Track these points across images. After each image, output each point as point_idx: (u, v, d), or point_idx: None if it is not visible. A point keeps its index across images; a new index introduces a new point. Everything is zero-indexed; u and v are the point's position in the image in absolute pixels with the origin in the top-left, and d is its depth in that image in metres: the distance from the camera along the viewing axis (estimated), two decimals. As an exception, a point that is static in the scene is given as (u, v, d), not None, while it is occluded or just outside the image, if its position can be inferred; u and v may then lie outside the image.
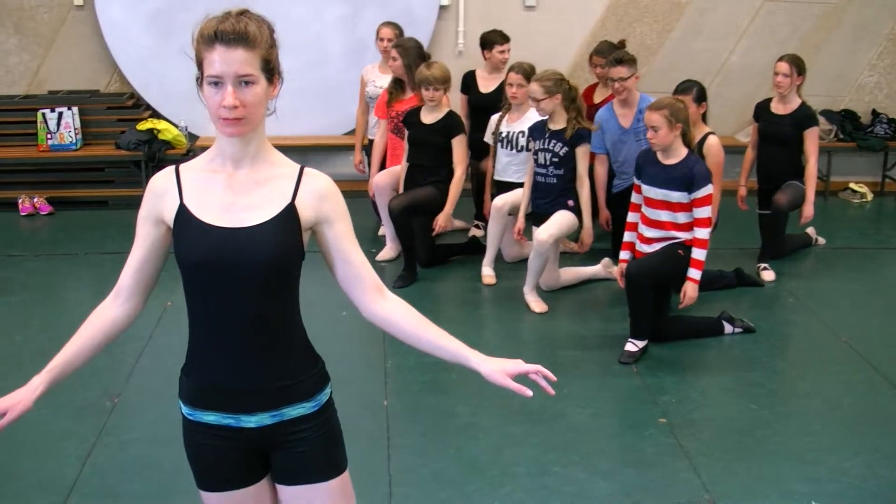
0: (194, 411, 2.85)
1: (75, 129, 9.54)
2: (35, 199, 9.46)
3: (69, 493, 4.73)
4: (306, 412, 2.84)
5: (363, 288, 2.83)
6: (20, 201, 9.44)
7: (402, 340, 2.88)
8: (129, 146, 9.40)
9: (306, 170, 2.78)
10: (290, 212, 2.71)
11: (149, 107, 9.92)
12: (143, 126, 9.51)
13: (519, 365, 2.79)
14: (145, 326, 6.31)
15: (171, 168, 2.79)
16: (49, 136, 9.50)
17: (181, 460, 2.93)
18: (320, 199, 2.75)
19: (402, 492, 4.72)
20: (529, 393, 2.77)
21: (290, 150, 9.33)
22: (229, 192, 2.71)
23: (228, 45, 2.56)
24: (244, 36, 2.57)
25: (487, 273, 7.56)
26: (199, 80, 2.64)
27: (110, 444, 5.18)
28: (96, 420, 5.39)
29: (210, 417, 2.83)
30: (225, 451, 2.85)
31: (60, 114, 9.48)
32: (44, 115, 9.48)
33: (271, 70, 2.66)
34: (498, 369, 2.78)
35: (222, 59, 2.57)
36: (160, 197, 2.76)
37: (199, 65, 2.63)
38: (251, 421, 2.81)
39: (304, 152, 9.62)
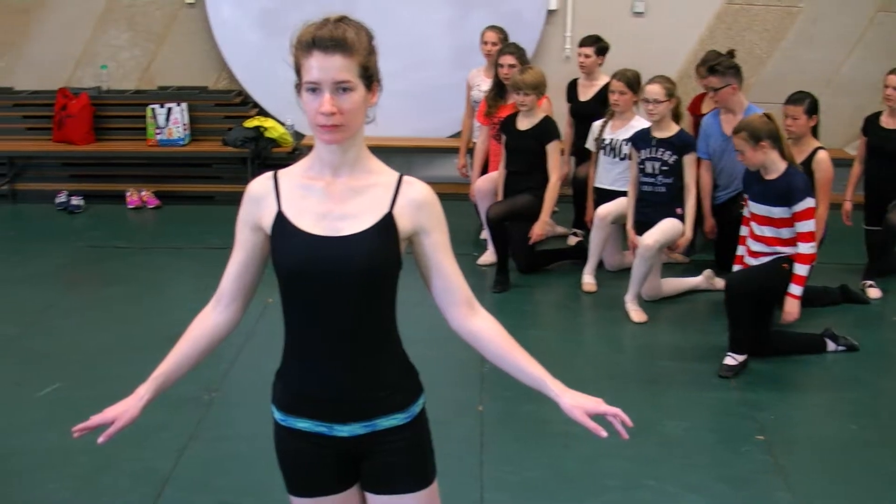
0: (287, 417, 2.85)
1: (184, 124, 9.68)
2: (143, 193, 9.62)
3: (164, 485, 4.79)
4: (399, 423, 2.83)
5: (454, 301, 2.82)
6: (128, 194, 9.61)
7: (487, 359, 2.87)
8: (236, 143, 9.51)
9: (405, 178, 2.76)
10: (388, 221, 2.70)
11: (256, 104, 10.02)
12: (249, 123, 9.62)
13: (599, 405, 2.76)
14: (246, 322, 6.32)
15: (270, 174, 2.79)
16: (158, 130, 9.66)
17: (275, 460, 2.95)
18: (418, 208, 2.73)
19: (493, 498, 4.71)
20: (604, 434, 2.72)
21: (394, 151, 9.38)
22: (327, 200, 2.70)
23: (326, 52, 2.56)
24: (342, 42, 2.56)
25: (588, 281, 7.51)
26: (298, 87, 2.64)
27: (206, 439, 5.24)
28: (194, 414, 5.47)
29: (303, 424, 2.83)
30: (316, 457, 2.85)
31: (170, 109, 9.63)
32: (153, 110, 9.64)
33: (370, 77, 2.64)
34: (577, 405, 2.75)
35: (320, 66, 2.56)
36: (258, 203, 2.76)
37: (298, 71, 2.62)
38: (344, 430, 2.80)
39: (408, 154, 9.66)
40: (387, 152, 9.07)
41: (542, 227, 7.50)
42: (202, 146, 9.83)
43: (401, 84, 9.06)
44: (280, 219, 2.72)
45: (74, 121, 9.64)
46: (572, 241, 8.43)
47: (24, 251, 8.40)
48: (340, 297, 2.69)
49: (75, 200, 9.51)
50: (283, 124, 9.67)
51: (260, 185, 2.79)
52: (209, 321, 2.88)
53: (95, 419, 2.83)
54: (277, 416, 2.89)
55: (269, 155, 9.40)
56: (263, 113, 9.92)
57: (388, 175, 2.76)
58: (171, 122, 9.65)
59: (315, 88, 2.58)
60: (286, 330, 2.83)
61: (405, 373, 2.88)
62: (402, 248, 2.76)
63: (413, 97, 9.46)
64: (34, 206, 9.69)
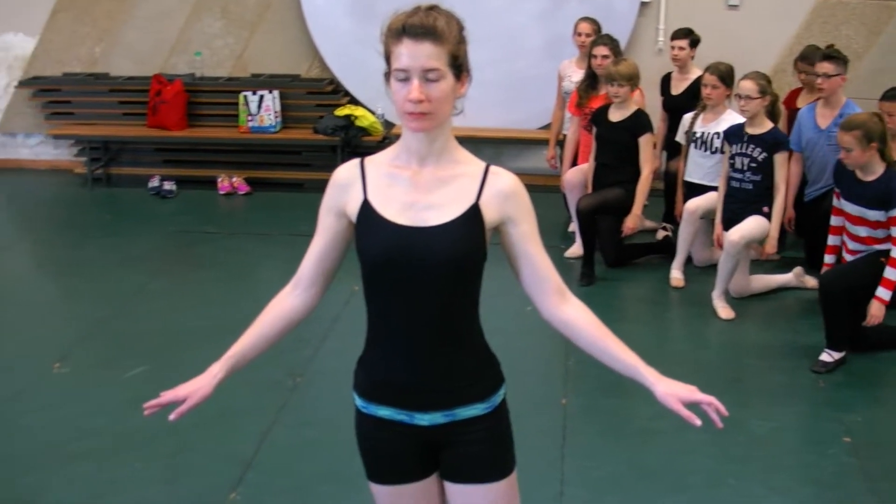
0: (368, 404, 2.86)
1: (275, 112, 9.76)
2: (234, 179, 9.72)
3: (246, 468, 4.85)
4: (479, 413, 2.82)
5: (545, 290, 2.80)
6: (219, 180, 9.72)
7: (580, 347, 2.84)
8: (327, 131, 9.57)
9: (492, 168, 2.75)
10: (475, 212, 2.69)
11: (347, 93, 10.07)
12: (340, 112, 9.67)
13: (694, 393, 2.74)
14: (331, 308, 6.41)
15: (356, 161, 2.80)
16: (250, 118, 9.74)
17: (356, 446, 2.96)
18: (505, 198, 2.72)
19: (573, 493, 4.68)
20: (698, 422, 2.69)
21: (483, 142, 9.36)
22: (413, 190, 2.70)
23: (416, 39, 2.56)
24: (432, 30, 2.56)
25: (676, 276, 7.44)
26: (387, 75, 2.64)
27: (289, 424, 5.28)
28: (277, 398, 5.52)
29: (384, 412, 2.84)
30: (397, 445, 2.85)
31: (262, 97, 9.71)
32: (246, 97, 9.73)
33: (459, 66, 2.63)
34: (672, 393, 2.73)
35: (409, 53, 2.56)
36: (344, 190, 2.77)
37: (387, 59, 2.62)
38: (424, 419, 2.81)
39: (497, 145, 9.65)
40: (476, 143, 9.10)
41: (634, 221, 7.45)
42: (293, 134, 9.89)
43: (491, 74, 9.09)
44: (366, 207, 2.72)
45: (168, 107, 9.77)
46: (661, 235, 8.36)
47: (117, 234, 8.53)
48: (424, 287, 2.69)
49: (167, 185, 9.64)
50: (373, 113, 9.71)
51: (346, 172, 2.79)
52: (286, 304, 2.90)
53: (167, 395, 2.85)
54: (359, 402, 2.90)
55: (360, 143, 9.43)
56: (354, 101, 9.96)
57: (474, 165, 2.75)
58: (263, 110, 9.73)
59: (404, 76, 2.58)
60: (368, 317, 2.83)
61: (486, 363, 2.87)
62: (488, 239, 2.74)
63: (503, 88, 9.44)
64: (127, 190, 9.84)
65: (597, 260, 7.57)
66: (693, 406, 2.72)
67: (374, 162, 2.79)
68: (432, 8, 2.63)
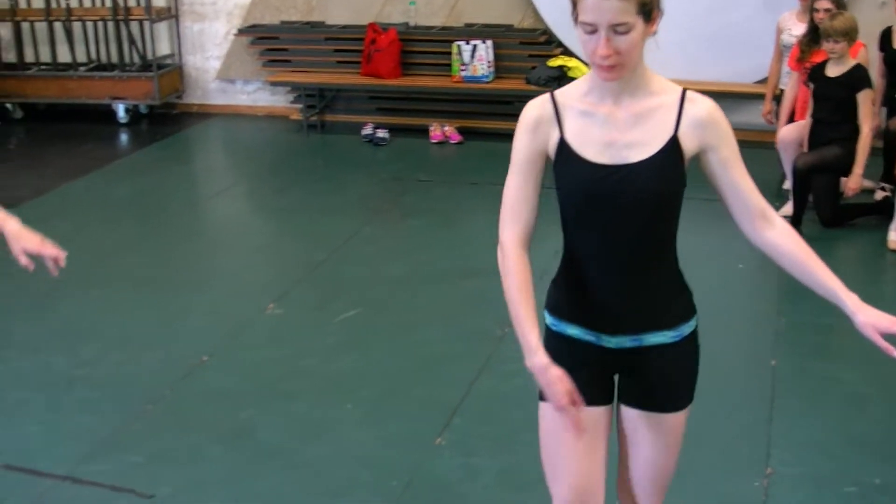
0: (558, 322, 2.88)
1: (488, 62, 9.76)
2: (445, 128, 9.78)
3: (452, 414, 4.89)
4: (667, 341, 2.81)
5: (749, 214, 2.74)
6: (431, 129, 9.80)
7: (784, 268, 2.77)
8: (539, 82, 9.52)
9: (688, 94, 2.69)
10: (674, 144, 2.65)
11: (560, 44, 9.99)
12: (553, 63, 9.61)
13: (892, 325, 2.61)
14: (540, 261, 6.40)
15: (547, 97, 2.75)
16: (463, 67, 9.77)
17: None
18: (703, 127, 2.67)
19: (780, 456, 4.56)
20: (895, 353, 2.59)
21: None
22: (611, 128, 2.66)
23: None
24: None
25: (894, 238, 7.16)
26: (575, 20, 2.58)
27: (496, 372, 5.30)
28: (486, 347, 5.54)
29: (572, 331, 2.85)
30: (580, 365, 2.81)
31: (475, 46, 9.72)
32: (459, 46, 9.75)
33: (649, 10, 2.55)
34: (871, 322, 2.62)
35: (596, 8, 2.49)
36: (538, 128, 2.73)
37: (574, 4, 2.57)
38: (611, 342, 2.81)
39: (712, 99, 9.43)
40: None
41: (856, 182, 7.20)
42: (505, 84, 9.87)
43: (706, 27, 8.90)
44: (563, 146, 2.70)
45: (382, 55, 9.88)
46: (880, 195, 8.04)
47: (330, 180, 8.71)
48: (625, 220, 2.68)
49: (380, 133, 9.77)
50: (586, 64, 9.60)
51: (539, 110, 2.75)
52: (528, 266, 2.80)
53: (562, 399, 2.66)
54: (548, 320, 2.91)
55: (571, 94, 9.36)
56: (567, 52, 9.88)
57: (670, 93, 2.69)
58: (476, 59, 9.74)
59: (591, 29, 2.53)
60: (565, 244, 2.82)
61: (679, 292, 2.85)
62: (686, 166, 2.70)
63: (719, 40, 9.20)
64: (341, 136, 10.02)
65: (808, 219, 7.34)
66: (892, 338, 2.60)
67: (565, 96, 2.74)
68: None
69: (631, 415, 2.93)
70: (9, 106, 11.12)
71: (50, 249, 3.42)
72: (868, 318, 2.63)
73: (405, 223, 7.76)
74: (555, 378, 2.63)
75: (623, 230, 2.70)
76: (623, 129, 2.66)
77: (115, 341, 5.76)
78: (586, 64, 9.62)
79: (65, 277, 6.63)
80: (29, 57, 11.12)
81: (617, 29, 2.50)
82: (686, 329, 2.84)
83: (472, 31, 9.96)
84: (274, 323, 5.97)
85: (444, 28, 10.21)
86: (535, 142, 2.75)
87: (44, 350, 5.68)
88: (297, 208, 8.06)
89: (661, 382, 2.86)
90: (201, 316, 6.08)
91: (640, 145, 2.66)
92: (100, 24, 10.95)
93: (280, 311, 6.09)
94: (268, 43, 10.62)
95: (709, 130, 2.68)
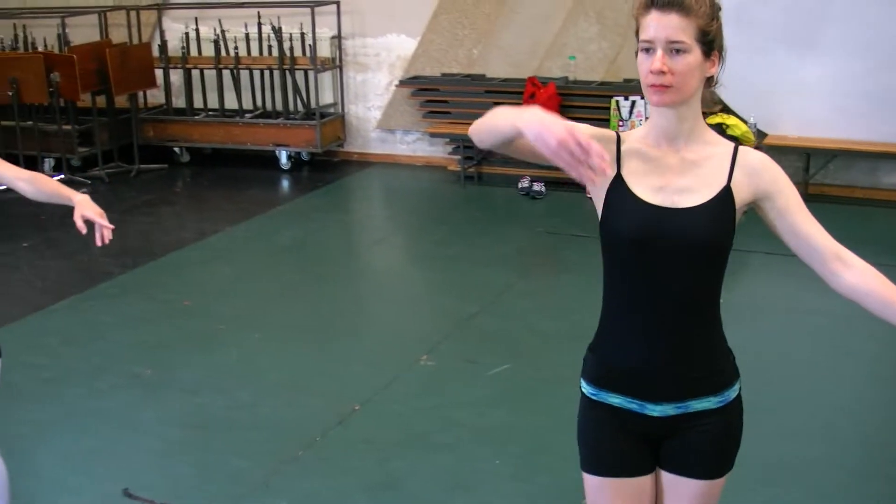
0: (599, 391, 2.85)
1: (647, 117, 9.73)
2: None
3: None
4: (711, 407, 2.78)
5: (822, 259, 2.67)
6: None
7: (872, 312, 2.66)
8: (697, 138, 9.45)
9: (741, 148, 2.69)
10: (726, 194, 2.65)
11: (720, 101, 9.91)
12: (712, 120, 9.41)
13: None
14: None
15: (613, 135, 2.74)
16: (621, 123, 9.75)
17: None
18: (756, 175, 2.67)
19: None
20: None
21: (858, 155, 9.07)
22: (666, 171, 2.68)
23: (663, 10, 2.54)
24: (679, 2, 2.53)
25: None
26: (637, 51, 2.62)
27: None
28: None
29: (615, 399, 2.82)
30: (623, 435, 2.82)
31: (633, 102, 9.69)
32: (617, 102, 9.74)
33: (709, 43, 2.60)
34: None
35: (655, 24, 2.54)
36: (604, 150, 2.61)
37: (637, 33, 2.62)
38: (655, 410, 2.78)
39: (873, 159, 9.23)
40: (849, 156, 8.78)
41: None
42: (663, 140, 9.80)
43: (868, 85, 8.71)
44: (618, 182, 2.70)
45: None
46: None
47: (486, 232, 8.76)
48: (671, 269, 2.66)
49: (537, 186, 9.80)
50: (745, 122, 9.49)
51: (610, 144, 2.73)
52: None
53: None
54: (588, 390, 2.89)
55: (730, 152, 9.26)
56: (727, 110, 9.77)
57: (724, 146, 2.71)
58: (635, 115, 9.72)
59: (649, 48, 2.57)
60: (606, 298, 2.82)
61: (723, 355, 2.82)
62: (739, 220, 2.68)
63: (880, 99, 8.98)
64: (498, 188, 10.07)
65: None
66: None
67: (629, 137, 2.76)
68: None
69: (669, 479, 2.88)
70: (177, 149, 11.52)
71: (103, 221, 3.78)
72: None
73: (559, 278, 7.76)
74: (570, 126, 2.43)
75: (669, 280, 2.67)
76: (676, 174, 2.67)
77: (271, 386, 5.89)
78: (745, 122, 9.53)
79: (225, 321, 6.87)
80: (197, 103, 11.50)
81: (674, 47, 2.54)
82: (731, 393, 2.82)
83: (631, 87, 9.93)
84: (426, 374, 6.02)
85: (602, 83, 10.21)
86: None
87: (202, 391, 5.84)
88: (452, 259, 8.13)
89: (705, 449, 2.81)
90: (355, 364, 6.17)
91: (692, 191, 2.66)
92: (266, 72, 11.26)
93: (432, 363, 6.14)
94: (428, 94, 10.78)
95: (763, 178, 2.67)
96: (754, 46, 8.71)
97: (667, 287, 2.69)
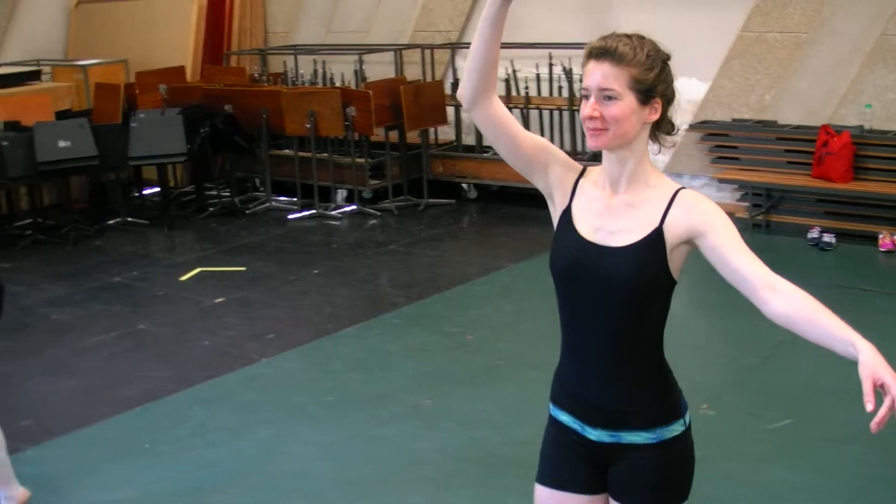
0: (554, 408, 3.04)
1: (947, 170, 9.34)
2: (895, 237, 9.41)
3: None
4: (643, 442, 2.87)
5: (752, 289, 2.72)
6: (881, 237, 9.44)
7: (802, 335, 2.64)
8: None
9: (682, 191, 2.81)
10: (656, 236, 2.76)
11: None
12: None
13: (886, 377, 2.43)
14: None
15: (579, 167, 2.96)
16: (918, 174, 9.41)
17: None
18: (688, 213, 2.76)
19: None
20: (870, 407, 2.42)
21: None
22: (605, 212, 2.83)
23: (597, 60, 2.73)
24: (612, 52, 2.70)
25: None
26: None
27: None
28: None
29: (564, 417, 2.99)
30: (571, 453, 2.97)
31: (934, 154, 9.34)
32: (915, 153, 9.40)
33: (645, 91, 2.72)
34: (870, 365, 2.46)
35: (591, 73, 2.73)
36: (566, 177, 2.93)
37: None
38: (592, 434, 2.92)
39: None
40: None
41: None
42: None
43: None
44: (566, 214, 2.90)
45: (834, 158, 9.65)
46: None
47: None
48: (602, 306, 2.80)
49: (827, 237, 9.53)
50: None
51: (572, 172, 2.94)
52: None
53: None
54: (550, 405, 3.06)
55: None
56: None
57: (665, 188, 2.83)
58: (935, 167, 9.35)
59: (587, 94, 2.75)
60: (561, 330, 2.98)
61: (661, 394, 2.91)
62: (678, 262, 2.80)
63: None
64: (786, 238, 9.84)
65: None
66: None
67: (589, 174, 2.93)
68: (630, 35, 2.77)
69: None
70: (464, 185, 11.79)
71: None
72: (870, 359, 2.49)
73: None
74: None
75: (594, 315, 2.81)
76: (614, 216, 2.81)
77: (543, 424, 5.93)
78: None
79: (504, 357, 6.99)
80: (487, 141, 11.69)
81: (605, 94, 2.71)
82: (666, 433, 2.87)
83: (930, 138, 9.57)
84: (705, 423, 5.93)
85: (902, 133, 9.86)
86: (562, 177, 2.94)
87: (479, 425, 5.95)
88: (725, 309, 7.98)
89: (646, 481, 2.87)
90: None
91: (625, 232, 2.78)
92: (556, 112, 11.41)
93: (712, 413, 6.06)
94: (718, 140, 10.66)
95: (695, 217, 2.75)
96: None
97: (592, 322, 2.84)
